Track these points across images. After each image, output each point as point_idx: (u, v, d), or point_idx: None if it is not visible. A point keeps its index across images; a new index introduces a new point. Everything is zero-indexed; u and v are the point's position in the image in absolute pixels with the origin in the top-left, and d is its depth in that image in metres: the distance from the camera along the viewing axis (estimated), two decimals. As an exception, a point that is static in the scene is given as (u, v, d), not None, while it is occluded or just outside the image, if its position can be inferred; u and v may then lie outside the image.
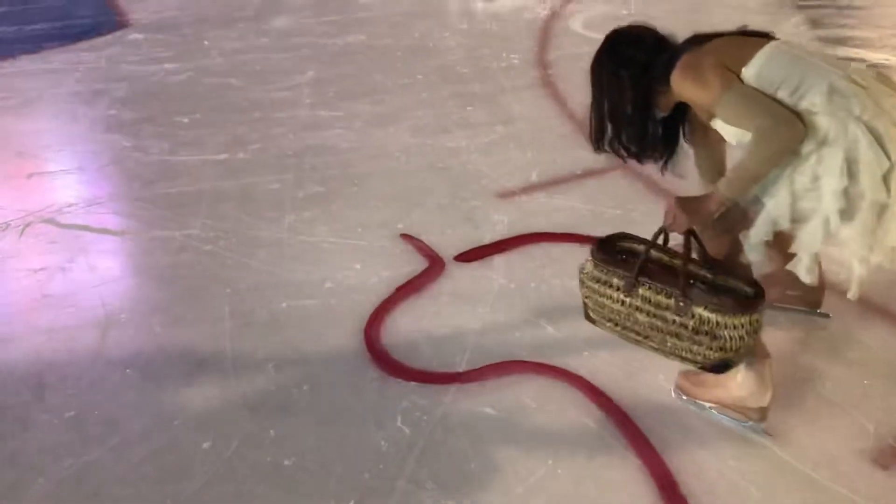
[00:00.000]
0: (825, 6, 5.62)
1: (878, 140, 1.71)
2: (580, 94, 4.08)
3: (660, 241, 1.96)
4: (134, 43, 5.45)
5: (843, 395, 2.12)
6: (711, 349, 1.86)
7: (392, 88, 4.43)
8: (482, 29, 5.53)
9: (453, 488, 1.89)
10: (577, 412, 2.11)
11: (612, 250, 2.02)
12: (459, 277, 2.73)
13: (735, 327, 1.82)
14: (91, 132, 4.05)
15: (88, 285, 2.76)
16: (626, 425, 2.05)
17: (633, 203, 3.13)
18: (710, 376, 1.99)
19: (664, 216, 1.92)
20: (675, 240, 1.97)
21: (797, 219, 1.81)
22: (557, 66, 4.70)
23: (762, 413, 1.98)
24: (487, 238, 2.94)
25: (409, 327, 2.48)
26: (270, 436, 2.08)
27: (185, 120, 4.11)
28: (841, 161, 1.72)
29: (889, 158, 1.70)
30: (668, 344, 1.93)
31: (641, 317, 1.93)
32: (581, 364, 2.27)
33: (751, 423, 2.00)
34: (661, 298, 1.89)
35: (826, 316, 2.38)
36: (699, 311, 1.84)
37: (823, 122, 1.74)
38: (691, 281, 1.87)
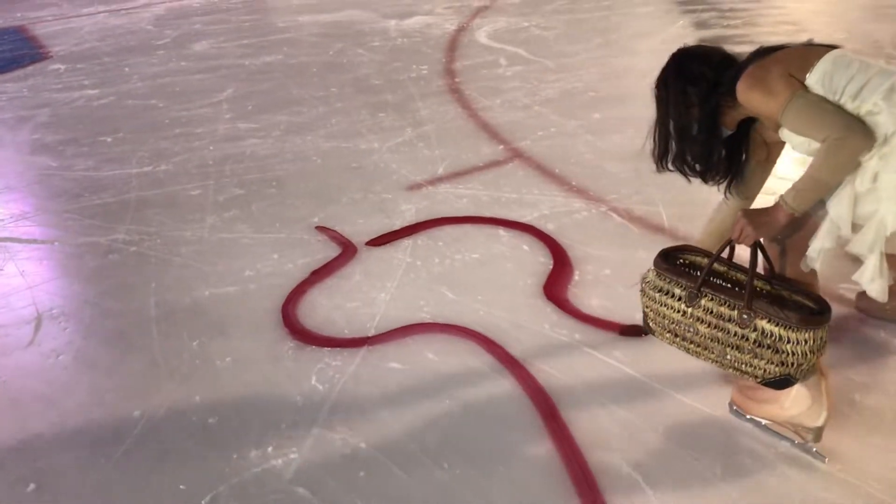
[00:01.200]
0: (709, 10, 6.09)
1: None
2: (484, 97, 4.43)
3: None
4: (55, 73, 5.60)
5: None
6: (772, 363, 1.84)
7: (308, 100, 4.68)
8: (393, 45, 5.83)
9: (362, 431, 2.12)
10: (474, 361, 2.36)
11: (675, 261, 2.04)
12: (370, 259, 2.98)
13: (798, 342, 1.80)
14: (17, 155, 4.20)
15: (20, 288, 2.92)
16: (515, 367, 2.31)
17: (528, 188, 3.43)
18: (765, 392, 1.96)
19: (732, 230, 1.94)
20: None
21: (857, 223, 1.84)
22: (463, 74, 5.02)
23: (817, 433, 1.90)
24: (397, 225, 3.20)
25: (324, 304, 2.71)
26: (196, 401, 2.28)
27: (109, 139, 4.28)
28: None
29: None
30: (728, 356, 1.92)
31: (702, 328, 1.93)
32: (477, 322, 2.53)
33: (805, 442, 1.92)
34: (724, 310, 1.89)
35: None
36: (762, 323, 1.83)
37: (884, 120, 1.78)
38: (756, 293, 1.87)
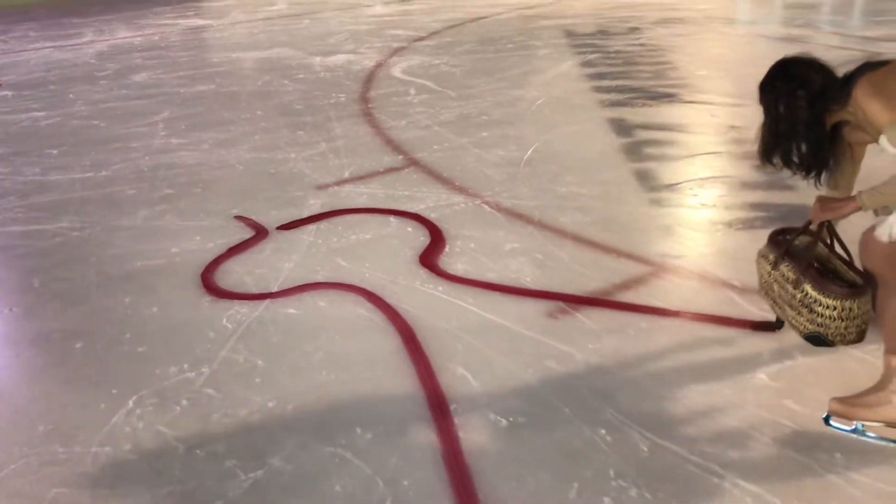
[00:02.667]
0: (596, 52, 6.92)
1: None
2: (391, 119, 5.08)
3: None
4: (3, 98, 6.10)
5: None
6: (809, 321, 2.29)
7: (235, 121, 5.29)
8: (317, 77, 6.50)
9: (260, 353, 2.68)
10: (355, 307, 2.95)
11: (784, 236, 2.44)
12: (280, 240, 3.56)
13: (828, 307, 2.22)
14: (-32, 164, 4.69)
15: (-24, 263, 3.43)
16: (387, 308, 2.91)
17: (418, 188, 4.07)
18: (876, 396, 2.12)
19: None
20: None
21: None
22: (376, 101, 5.70)
23: None
24: (305, 215, 3.80)
25: (238, 271, 3.28)
26: (127, 337, 2.82)
27: (55, 152, 4.81)
28: None
29: None
30: (787, 312, 2.38)
31: (777, 287, 2.41)
32: (362, 281, 3.13)
33: None
34: (790, 274, 2.34)
35: None
36: (807, 287, 2.26)
37: None
38: (817, 265, 2.27)
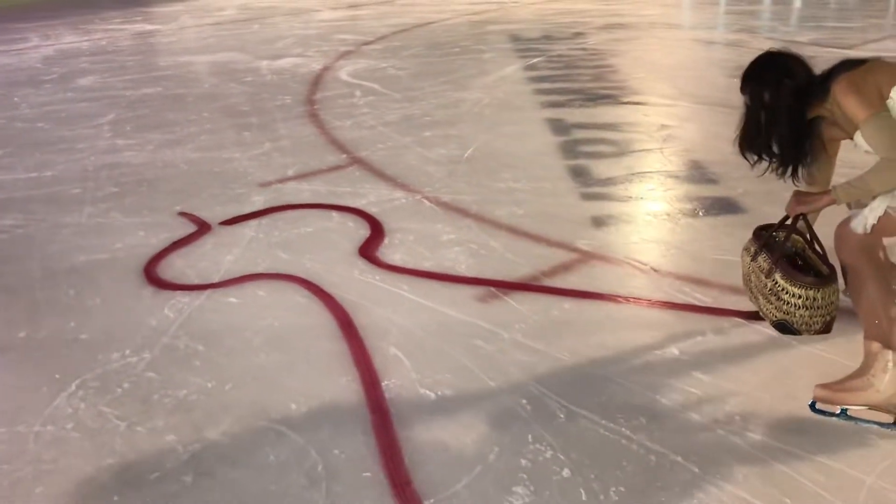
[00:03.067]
0: (539, 56, 7.13)
1: None
2: (337, 120, 5.20)
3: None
4: (-54, 101, 6.08)
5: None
6: (778, 310, 2.43)
7: (181, 123, 5.36)
8: (264, 81, 6.60)
9: (201, 339, 2.78)
10: (294, 296, 3.07)
11: (767, 231, 2.56)
12: (223, 235, 3.66)
13: (794, 295, 2.35)
14: (-90, 165, 4.69)
15: (-82, 259, 3.46)
16: (324, 296, 3.04)
17: (361, 185, 4.20)
18: (858, 381, 2.19)
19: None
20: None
21: None
22: (322, 103, 5.81)
23: None
24: (248, 211, 3.90)
25: (180, 264, 3.37)
26: (71, 326, 2.90)
27: (-1, 153, 4.84)
28: None
29: None
30: (760, 301, 2.50)
31: (754, 278, 2.52)
32: (302, 272, 3.24)
33: (894, 420, 2.15)
34: (765, 265, 2.46)
35: None
36: (777, 276, 2.38)
37: None
38: (794, 257, 2.41)
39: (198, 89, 6.31)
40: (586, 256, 3.31)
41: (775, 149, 2.35)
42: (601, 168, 4.38)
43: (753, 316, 2.72)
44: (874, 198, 2.25)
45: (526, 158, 4.55)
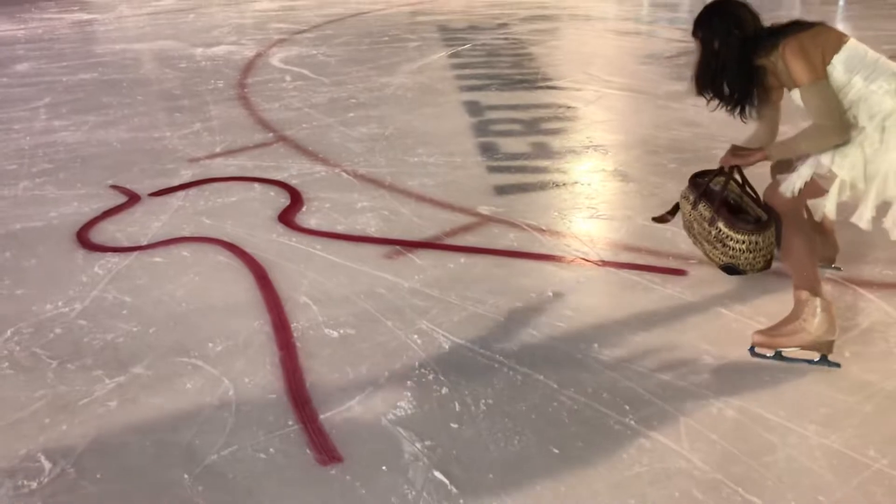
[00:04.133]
0: (464, 44, 7.49)
1: None
2: (266, 102, 5.47)
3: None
4: None
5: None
6: (724, 255, 2.63)
7: (116, 106, 5.58)
8: (197, 67, 6.83)
9: (128, 292, 3.05)
10: (216, 256, 3.36)
11: (703, 178, 2.75)
12: (151, 204, 3.92)
13: (738, 241, 2.55)
14: None
15: None
16: (243, 255, 3.34)
17: (284, 160, 4.49)
18: (791, 325, 2.43)
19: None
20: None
21: (868, 178, 2.34)
22: (253, 87, 6.08)
23: (831, 346, 2.42)
24: (176, 184, 4.17)
25: (111, 229, 3.63)
26: (6, 283, 3.15)
27: (-66, 133, 5.01)
28: None
29: None
30: (706, 247, 2.69)
31: (696, 225, 2.70)
32: (224, 235, 3.53)
33: (820, 357, 2.43)
34: (706, 213, 2.64)
35: (839, 269, 2.98)
36: (720, 224, 2.57)
37: (889, 102, 2.30)
38: (731, 203, 2.62)
39: (133, 75, 6.52)
40: (485, 220, 3.67)
41: (725, 91, 2.52)
42: (508, 144, 4.75)
43: (626, 266, 3.13)
44: (800, 164, 2.47)
45: (441, 137, 4.90)
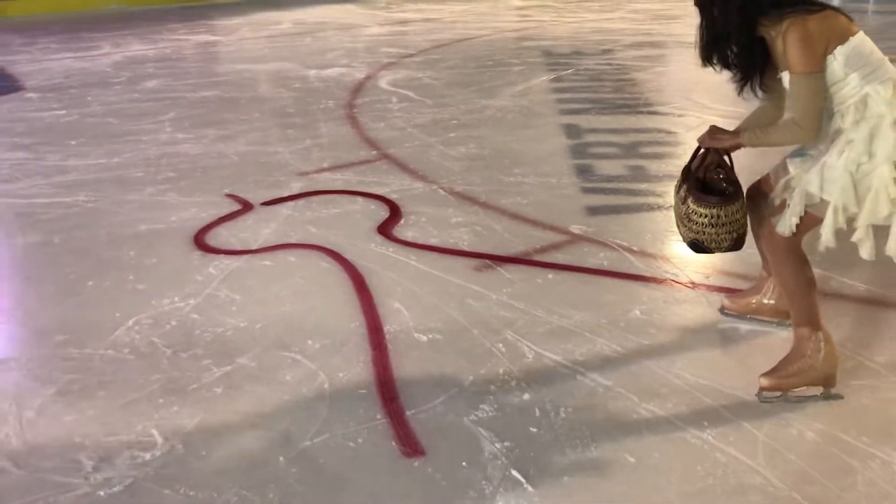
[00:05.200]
0: (568, 69, 7.59)
1: None
2: (372, 122, 5.73)
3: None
4: (29, 99, 6.82)
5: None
6: (689, 231, 2.57)
7: (234, 121, 5.96)
8: (310, 87, 7.19)
9: (239, 291, 3.29)
10: (320, 262, 3.58)
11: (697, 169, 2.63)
12: (263, 213, 4.20)
13: (701, 215, 2.50)
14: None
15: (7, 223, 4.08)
16: (344, 262, 3.54)
17: (386, 176, 4.71)
18: (795, 367, 2.40)
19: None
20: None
21: (860, 199, 2.21)
22: (361, 107, 6.37)
23: (834, 379, 2.41)
24: (285, 194, 4.44)
25: (225, 233, 3.91)
26: (130, 279, 3.44)
27: (73, 143, 5.48)
28: (894, 139, 2.16)
29: None
30: (680, 228, 2.64)
31: (676, 209, 2.66)
32: (327, 243, 3.74)
33: (825, 391, 2.42)
34: (683, 193, 2.59)
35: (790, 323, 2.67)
36: (689, 201, 2.53)
37: (883, 108, 2.18)
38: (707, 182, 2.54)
39: (250, 93, 6.94)
40: (576, 238, 3.76)
41: (732, 60, 2.37)
42: (605, 167, 4.81)
43: (714, 288, 3.15)
44: (789, 199, 2.38)
45: (538, 157, 5.01)
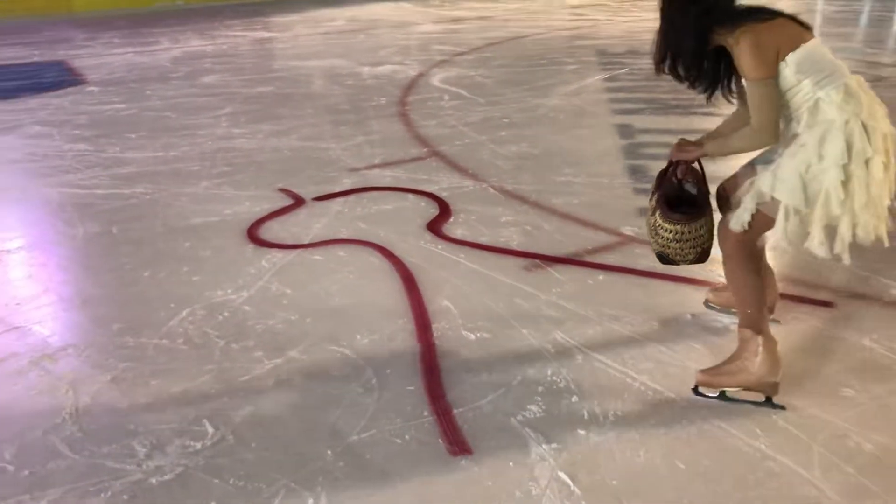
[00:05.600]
0: (622, 68, 7.50)
1: (868, 135, 2.22)
2: (423, 119, 5.75)
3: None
4: (90, 93, 6.99)
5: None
6: (656, 243, 2.64)
7: (288, 117, 6.03)
8: (363, 84, 7.24)
9: (290, 284, 3.33)
10: (369, 257, 3.60)
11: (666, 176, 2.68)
12: (315, 208, 4.24)
13: (667, 230, 2.57)
14: (61, 142, 5.51)
15: (68, 213, 4.19)
16: (392, 258, 3.55)
17: (436, 173, 4.71)
18: (733, 364, 2.44)
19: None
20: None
21: (810, 200, 2.26)
22: (412, 104, 6.39)
23: (776, 388, 2.41)
24: (337, 190, 4.47)
25: (277, 228, 3.96)
26: (185, 270, 3.51)
27: (133, 136, 5.61)
28: (843, 143, 2.20)
29: (871, 148, 2.22)
30: (650, 239, 2.69)
31: (647, 220, 2.70)
32: (377, 239, 3.77)
33: (766, 398, 2.41)
34: (652, 204, 2.65)
35: (777, 321, 2.83)
36: (657, 215, 2.59)
37: (834, 112, 2.23)
38: (678, 196, 2.60)
39: (304, 90, 7.01)
40: (628, 240, 3.71)
41: (681, 70, 2.38)
42: (658, 167, 4.72)
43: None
44: (743, 198, 2.43)
45: (590, 157, 4.96)
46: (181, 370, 2.74)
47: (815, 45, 2.28)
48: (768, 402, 2.42)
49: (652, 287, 3.25)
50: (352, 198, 4.35)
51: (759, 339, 2.42)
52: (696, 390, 2.51)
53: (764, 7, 2.33)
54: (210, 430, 2.41)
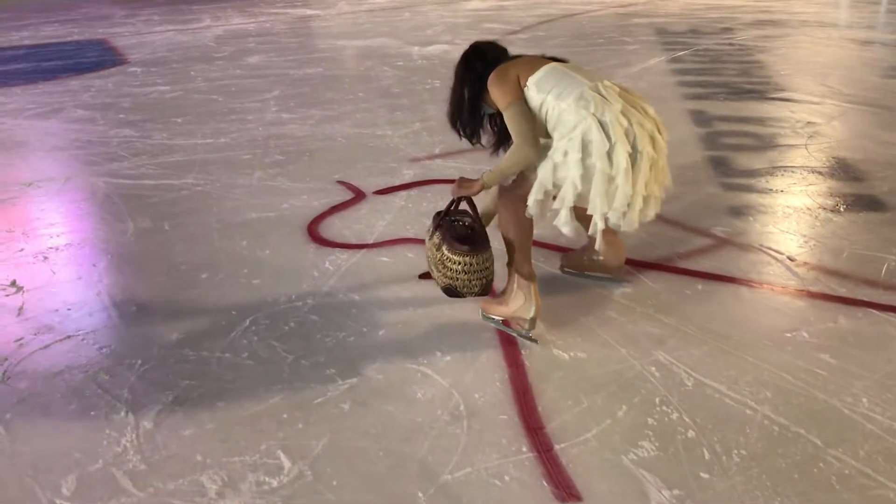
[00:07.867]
0: (685, 49, 7.10)
1: (604, 128, 2.46)
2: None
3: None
4: (134, 74, 6.76)
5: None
6: (444, 276, 2.74)
7: (339, 101, 5.75)
8: (414, 65, 6.93)
9: (356, 290, 3.08)
10: (440, 260, 3.33)
11: (446, 215, 2.84)
12: (376, 202, 3.97)
13: (455, 262, 2.70)
14: (105, 128, 5.29)
15: (117, 208, 3.96)
16: (468, 261, 3.28)
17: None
18: (499, 298, 2.78)
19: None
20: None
21: (557, 184, 2.56)
22: (469, 87, 6.07)
23: (532, 323, 2.70)
24: (398, 183, 4.20)
25: (338, 225, 3.70)
26: (244, 272, 3.26)
27: (179, 120, 5.37)
28: (579, 141, 2.48)
29: (609, 141, 2.46)
30: (435, 273, 2.79)
31: (429, 253, 2.81)
32: (447, 238, 3.50)
33: (526, 330, 2.71)
34: (437, 240, 2.76)
35: (624, 281, 3.07)
36: (444, 248, 2.72)
37: (572, 117, 2.50)
38: (467, 232, 2.77)
39: (354, 72, 6.73)
40: (722, 242, 3.40)
41: (460, 131, 2.85)
42: (743, 160, 4.40)
43: (889, 309, 2.76)
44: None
45: (668, 148, 4.61)
46: (248, 390, 2.50)
47: (552, 67, 2.61)
48: (526, 335, 2.70)
49: (758, 299, 2.94)
50: (415, 191, 4.08)
51: (515, 277, 2.73)
52: (482, 313, 2.82)
53: (515, 56, 2.75)
54: (286, 463, 2.17)
